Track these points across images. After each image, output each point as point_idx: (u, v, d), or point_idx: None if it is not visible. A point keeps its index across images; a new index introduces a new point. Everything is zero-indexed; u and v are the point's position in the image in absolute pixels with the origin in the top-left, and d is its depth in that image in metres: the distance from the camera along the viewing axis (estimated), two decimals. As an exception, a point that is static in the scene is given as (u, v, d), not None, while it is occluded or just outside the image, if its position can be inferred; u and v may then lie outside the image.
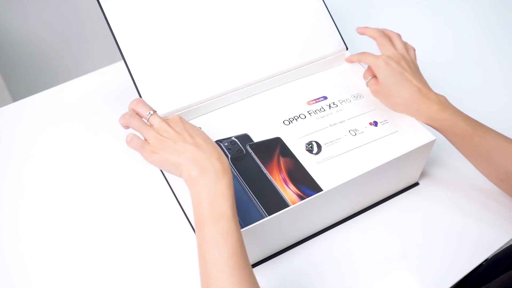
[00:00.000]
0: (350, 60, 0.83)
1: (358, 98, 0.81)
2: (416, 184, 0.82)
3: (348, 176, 0.68)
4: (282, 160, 0.72)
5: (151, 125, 0.64)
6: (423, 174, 0.82)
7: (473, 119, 0.71)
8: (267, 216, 0.64)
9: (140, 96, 0.74)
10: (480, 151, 0.70)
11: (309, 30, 0.85)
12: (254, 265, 0.71)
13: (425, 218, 0.77)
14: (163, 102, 0.75)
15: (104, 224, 0.76)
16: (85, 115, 0.91)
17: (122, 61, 0.74)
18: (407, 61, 0.75)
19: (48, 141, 0.87)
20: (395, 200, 0.79)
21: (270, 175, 0.70)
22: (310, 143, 0.74)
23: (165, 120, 0.64)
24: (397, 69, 0.73)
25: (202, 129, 0.66)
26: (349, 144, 0.74)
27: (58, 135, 0.88)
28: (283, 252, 0.73)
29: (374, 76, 0.76)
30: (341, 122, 0.77)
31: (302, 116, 0.77)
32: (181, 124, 0.64)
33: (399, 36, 0.79)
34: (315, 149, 0.73)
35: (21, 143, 0.87)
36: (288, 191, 0.68)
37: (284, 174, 0.70)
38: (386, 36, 0.79)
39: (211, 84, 0.78)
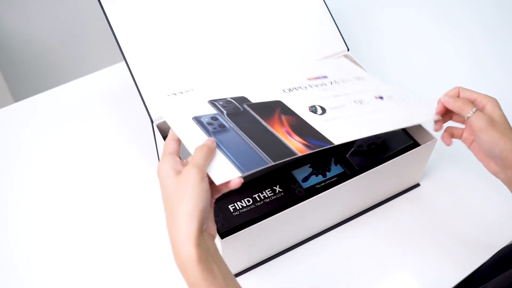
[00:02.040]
0: (447, 102, 0.66)
1: (360, 80, 0.76)
2: (417, 185, 0.81)
3: (364, 135, 0.63)
4: (284, 117, 0.64)
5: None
6: (424, 175, 0.82)
7: None
8: (271, 163, 0.55)
9: (141, 97, 0.74)
10: None
11: (310, 31, 0.85)
12: (250, 269, 0.72)
13: (426, 219, 0.77)
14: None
15: (104, 224, 0.76)
16: (86, 116, 0.91)
17: (124, 62, 0.74)
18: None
19: (49, 142, 0.87)
20: (396, 201, 0.79)
21: (272, 128, 0.61)
22: (313, 106, 0.66)
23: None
24: (500, 127, 0.62)
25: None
26: (354, 110, 0.68)
27: (58, 136, 0.88)
28: (285, 252, 0.73)
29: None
30: (346, 94, 0.71)
31: (303, 87, 0.70)
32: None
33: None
34: (319, 111, 0.66)
35: (22, 143, 0.87)
36: (292, 141, 0.59)
37: (287, 127, 0.62)
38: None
39: (212, 84, 0.78)
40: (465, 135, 0.67)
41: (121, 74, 0.93)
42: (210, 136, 0.57)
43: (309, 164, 0.74)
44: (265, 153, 0.57)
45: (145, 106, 0.74)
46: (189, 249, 0.49)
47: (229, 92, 0.67)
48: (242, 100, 0.66)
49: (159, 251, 0.73)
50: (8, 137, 0.88)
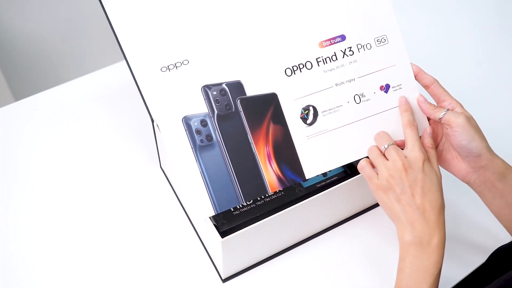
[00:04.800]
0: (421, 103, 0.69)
1: (381, 43, 0.70)
2: (418, 184, 0.81)
3: (339, 164, 0.67)
4: (272, 127, 0.66)
5: (386, 159, 0.62)
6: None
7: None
8: (243, 202, 0.64)
9: (142, 96, 0.74)
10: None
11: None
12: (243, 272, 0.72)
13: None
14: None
15: (104, 223, 0.76)
16: (86, 115, 0.91)
17: (124, 61, 0.74)
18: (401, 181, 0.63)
19: (49, 141, 0.87)
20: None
21: (255, 146, 0.65)
22: (307, 109, 0.67)
23: (403, 156, 0.60)
24: (387, 196, 0.62)
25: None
26: (349, 115, 0.68)
27: (59, 135, 0.88)
28: (286, 252, 0.73)
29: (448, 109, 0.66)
30: (349, 81, 0.69)
31: (308, 66, 0.68)
32: (418, 172, 0.59)
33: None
34: (310, 118, 0.67)
35: (23, 142, 0.87)
36: (269, 171, 0.65)
37: (270, 148, 0.66)
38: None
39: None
40: (437, 136, 0.69)
41: (121, 73, 0.92)
42: (196, 151, 0.63)
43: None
44: (241, 189, 0.64)
45: (146, 105, 0.74)
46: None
47: (226, 69, 0.68)
48: (237, 88, 0.66)
49: (159, 250, 0.73)
50: (9, 136, 0.88)
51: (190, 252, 0.73)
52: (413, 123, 0.65)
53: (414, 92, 0.70)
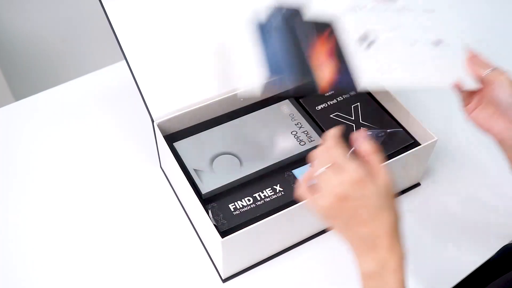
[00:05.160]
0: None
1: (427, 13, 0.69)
2: (418, 184, 0.81)
3: (393, 83, 0.64)
4: (328, 39, 0.66)
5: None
6: (425, 175, 0.82)
7: None
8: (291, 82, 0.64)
9: (142, 96, 0.74)
10: None
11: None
12: (244, 271, 0.72)
13: (426, 218, 0.77)
14: (165, 102, 0.75)
15: (104, 223, 0.76)
16: (87, 115, 0.91)
17: (124, 61, 0.74)
18: (345, 195, 0.54)
19: (49, 141, 0.87)
20: (397, 201, 0.79)
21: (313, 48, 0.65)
22: (365, 34, 0.66)
23: (336, 183, 0.51)
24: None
25: None
26: (403, 52, 0.66)
27: (59, 135, 0.88)
28: (286, 252, 0.73)
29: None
30: (404, 27, 0.68)
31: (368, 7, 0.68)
32: (356, 200, 0.51)
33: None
34: (369, 40, 0.66)
35: (23, 142, 0.87)
36: (323, 72, 0.64)
37: (326, 53, 0.65)
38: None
39: (213, 84, 0.78)
40: (472, 102, 0.65)
41: (122, 73, 0.92)
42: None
43: (310, 164, 0.74)
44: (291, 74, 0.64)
45: (146, 105, 0.74)
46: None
47: None
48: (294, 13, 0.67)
49: (160, 250, 0.73)
50: (9, 136, 0.88)
51: (190, 252, 0.73)
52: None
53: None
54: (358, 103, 0.82)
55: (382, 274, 0.51)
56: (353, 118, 0.80)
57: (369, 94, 0.83)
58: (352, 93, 0.83)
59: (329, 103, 0.82)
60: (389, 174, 0.53)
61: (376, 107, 0.82)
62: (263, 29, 0.66)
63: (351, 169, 0.51)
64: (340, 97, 0.83)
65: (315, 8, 0.67)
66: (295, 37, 0.66)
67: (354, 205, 0.51)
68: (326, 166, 0.53)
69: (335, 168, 0.52)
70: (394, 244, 0.52)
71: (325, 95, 0.83)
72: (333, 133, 0.55)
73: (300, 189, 0.55)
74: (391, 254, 0.51)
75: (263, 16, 0.67)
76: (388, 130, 0.78)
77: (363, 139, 0.54)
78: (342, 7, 0.68)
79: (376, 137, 0.77)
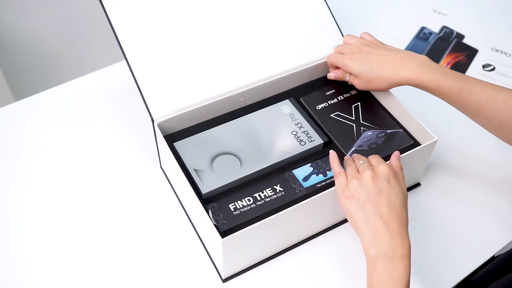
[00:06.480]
0: (331, 75, 0.83)
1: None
2: (418, 184, 0.81)
3: None
4: None
5: (357, 167, 0.66)
6: (424, 175, 0.82)
7: (459, 74, 0.70)
8: None
9: (142, 96, 0.74)
10: (470, 106, 0.69)
11: (311, 30, 0.85)
12: (245, 271, 0.72)
13: (426, 218, 0.77)
14: (165, 102, 0.75)
15: (104, 223, 0.76)
16: (87, 115, 0.91)
17: (124, 60, 0.74)
18: (368, 43, 0.78)
19: (50, 141, 0.87)
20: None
21: None
22: None
23: (371, 168, 0.64)
24: (363, 56, 0.75)
25: None
26: None
27: (59, 135, 0.88)
28: (286, 252, 0.73)
29: (351, 73, 0.78)
30: None
31: None
32: (384, 183, 0.62)
33: (351, 36, 0.82)
34: None
35: (23, 142, 0.87)
36: None
37: None
38: (341, 46, 0.82)
39: (213, 84, 0.78)
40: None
41: (122, 73, 0.93)
42: None
43: (310, 164, 0.74)
44: None
45: (146, 105, 0.74)
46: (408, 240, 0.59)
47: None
48: None
49: (160, 250, 0.73)
50: (9, 136, 0.88)
51: (190, 252, 0.73)
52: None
53: None
54: (359, 103, 0.82)
55: (390, 258, 0.57)
56: (353, 118, 0.80)
57: (369, 94, 0.83)
58: (353, 92, 0.83)
59: (329, 103, 0.82)
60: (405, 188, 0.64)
61: (376, 106, 0.82)
62: None
63: (383, 164, 0.64)
64: (341, 96, 0.83)
65: None
66: None
67: (379, 186, 0.61)
68: (366, 161, 0.67)
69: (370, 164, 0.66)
70: (402, 234, 0.58)
71: (326, 94, 0.83)
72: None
73: (342, 170, 0.68)
74: (399, 241, 0.58)
75: None
76: (388, 131, 0.78)
77: (395, 158, 0.68)
78: None
79: (376, 138, 0.77)
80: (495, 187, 0.80)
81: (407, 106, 0.78)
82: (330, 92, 0.83)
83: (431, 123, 0.78)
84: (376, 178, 0.62)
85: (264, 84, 0.81)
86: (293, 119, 0.79)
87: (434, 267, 0.72)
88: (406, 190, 0.64)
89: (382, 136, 0.77)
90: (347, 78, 0.79)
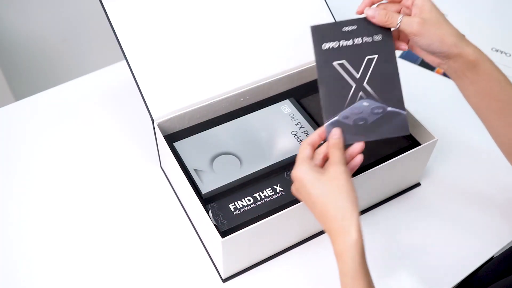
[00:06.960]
0: (371, 18, 0.66)
1: None
2: (418, 184, 0.81)
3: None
4: None
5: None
6: (424, 175, 0.82)
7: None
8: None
9: (142, 96, 0.74)
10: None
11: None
12: (246, 271, 0.72)
13: (426, 218, 0.77)
14: (165, 102, 0.75)
15: (104, 223, 0.76)
16: (87, 114, 0.91)
17: (124, 60, 0.74)
18: None
19: (50, 141, 0.87)
20: (397, 201, 0.79)
21: None
22: None
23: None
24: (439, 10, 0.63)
25: None
26: None
27: (59, 135, 0.88)
28: (286, 252, 0.73)
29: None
30: None
31: None
32: (299, 196, 0.62)
33: None
34: None
35: (23, 142, 0.87)
36: None
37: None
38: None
39: (213, 84, 0.78)
40: (400, 37, 0.68)
41: (122, 73, 0.93)
42: None
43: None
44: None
45: (146, 105, 0.74)
46: (355, 234, 0.55)
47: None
48: None
49: (160, 250, 0.73)
50: (9, 136, 0.88)
51: (190, 252, 0.73)
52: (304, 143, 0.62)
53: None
54: (375, 56, 0.65)
55: (341, 255, 0.56)
56: (357, 76, 0.65)
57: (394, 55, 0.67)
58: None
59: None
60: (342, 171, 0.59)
61: (394, 69, 0.65)
62: None
63: (296, 168, 0.60)
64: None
65: None
66: None
67: (301, 195, 0.60)
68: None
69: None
70: (343, 227, 0.56)
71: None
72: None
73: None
74: (343, 236, 0.55)
75: None
76: (389, 108, 0.64)
77: (331, 135, 0.62)
78: None
79: (370, 113, 0.64)
80: (495, 187, 0.80)
81: (407, 106, 0.78)
82: None
83: (431, 123, 0.78)
84: (295, 191, 0.62)
85: (264, 84, 0.81)
86: (293, 119, 0.79)
87: (434, 267, 0.72)
88: (340, 172, 0.58)
89: (377, 113, 0.64)
90: (400, 18, 0.62)
